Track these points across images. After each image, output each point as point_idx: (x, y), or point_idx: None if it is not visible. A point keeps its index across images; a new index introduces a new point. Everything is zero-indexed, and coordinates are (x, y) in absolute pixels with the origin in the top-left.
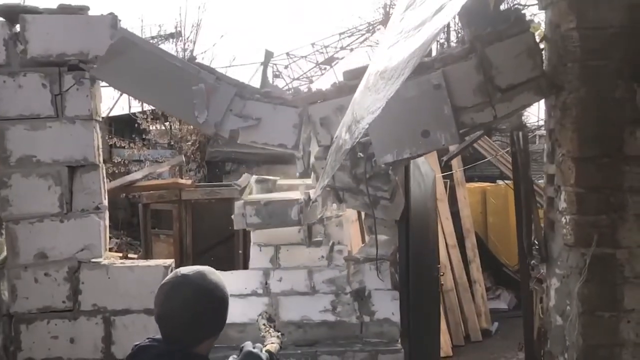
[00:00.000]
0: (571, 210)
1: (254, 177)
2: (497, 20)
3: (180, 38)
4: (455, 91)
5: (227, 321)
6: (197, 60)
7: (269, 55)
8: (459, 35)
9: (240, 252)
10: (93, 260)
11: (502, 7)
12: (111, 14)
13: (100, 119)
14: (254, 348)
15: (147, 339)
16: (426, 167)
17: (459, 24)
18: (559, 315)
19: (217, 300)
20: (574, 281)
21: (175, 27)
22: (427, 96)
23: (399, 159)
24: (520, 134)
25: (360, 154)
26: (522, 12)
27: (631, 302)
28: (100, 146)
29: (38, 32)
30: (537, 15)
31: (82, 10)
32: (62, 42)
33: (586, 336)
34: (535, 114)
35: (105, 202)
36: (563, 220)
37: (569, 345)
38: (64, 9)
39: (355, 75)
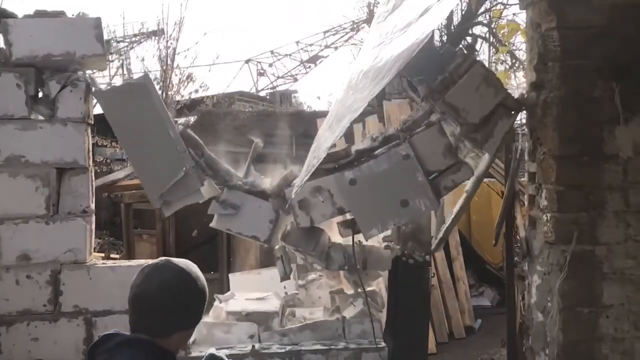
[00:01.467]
0: (552, 208)
1: None
2: (444, 63)
3: (163, 36)
4: (425, 157)
5: (213, 320)
6: (190, 133)
7: (256, 147)
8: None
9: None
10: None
11: (445, 43)
12: (79, 12)
13: (92, 122)
14: (217, 352)
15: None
16: None
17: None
18: (540, 311)
19: (196, 290)
20: (554, 278)
21: (158, 25)
22: (399, 167)
23: (384, 231)
24: (519, 147)
25: (343, 231)
26: (463, 45)
27: (610, 297)
28: (91, 149)
29: (22, 34)
30: (518, 15)
31: (60, 14)
32: (47, 43)
33: (566, 332)
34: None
35: (93, 206)
36: (544, 217)
37: (549, 341)
38: (40, 14)
39: (328, 160)
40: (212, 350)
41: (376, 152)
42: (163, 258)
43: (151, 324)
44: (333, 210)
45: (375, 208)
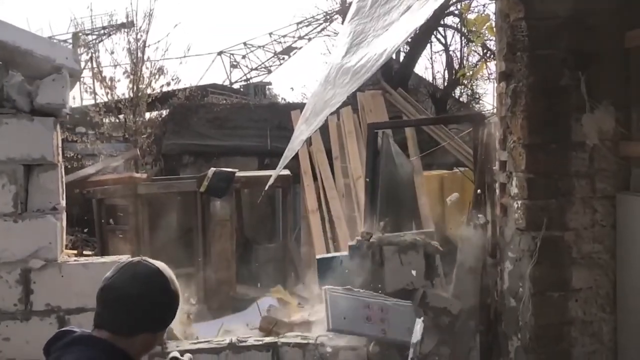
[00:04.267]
0: (522, 195)
1: (212, 169)
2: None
3: (133, 28)
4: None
5: None
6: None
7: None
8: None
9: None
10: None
11: None
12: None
13: (67, 117)
14: (181, 356)
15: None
16: (401, 159)
17: None
18: (512, 297)
19: (168, 291)
20: (525, 264)
21: (127, 17)
22: None
23: None
24: (486, 130)
25: None
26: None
27: (578, 281)
28: (60, 145)
29: (11, 29)
30: (488, 6)
31: None
32: (31, 43)
33: (538, 316)
34: (490, 102)
35: (63, 203)
36: (515, 205)
37: (522, 326)
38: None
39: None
40: (175, 354)
41: None
42: (140, 257)
43: (115, 317)
44: None
45: None
